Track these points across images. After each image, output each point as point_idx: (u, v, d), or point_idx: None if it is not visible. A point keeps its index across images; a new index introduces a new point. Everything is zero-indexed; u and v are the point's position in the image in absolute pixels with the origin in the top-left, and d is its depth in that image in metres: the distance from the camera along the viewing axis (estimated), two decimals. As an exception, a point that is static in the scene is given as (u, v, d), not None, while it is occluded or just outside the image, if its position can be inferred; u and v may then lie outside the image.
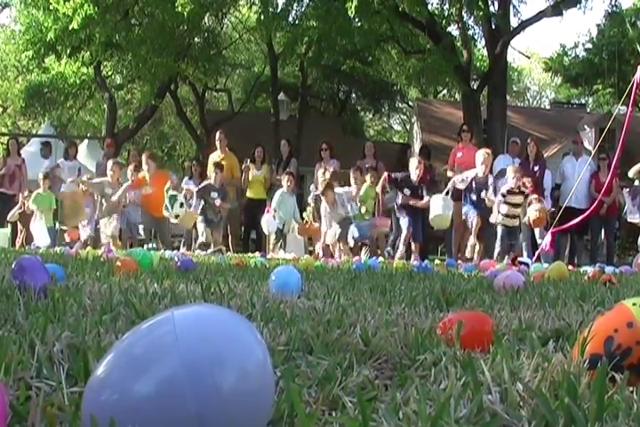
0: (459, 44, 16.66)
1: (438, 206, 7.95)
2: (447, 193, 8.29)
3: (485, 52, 19.09)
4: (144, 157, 8.93)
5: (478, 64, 21.38)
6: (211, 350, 0.47)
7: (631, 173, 8.52)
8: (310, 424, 0.50)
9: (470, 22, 16.35)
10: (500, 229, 7.79)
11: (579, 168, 8.91)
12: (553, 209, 8.44)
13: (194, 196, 9.26)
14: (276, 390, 0.59)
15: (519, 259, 6.72)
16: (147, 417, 0.45)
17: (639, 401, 0.64)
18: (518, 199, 7.75)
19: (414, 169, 8.14)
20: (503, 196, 7.69)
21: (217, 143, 9.73)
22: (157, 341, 0.48)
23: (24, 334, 0.88)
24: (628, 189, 8.59)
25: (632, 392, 0.68)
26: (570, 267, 5.03)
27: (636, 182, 8.47)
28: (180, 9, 14.13)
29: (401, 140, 29.70)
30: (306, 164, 12.34)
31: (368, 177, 8.73)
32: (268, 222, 8.89)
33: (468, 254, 7.92)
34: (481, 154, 8.03)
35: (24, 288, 1.37)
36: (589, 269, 4.42)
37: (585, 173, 8.51)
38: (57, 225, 9.47)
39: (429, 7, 15.30)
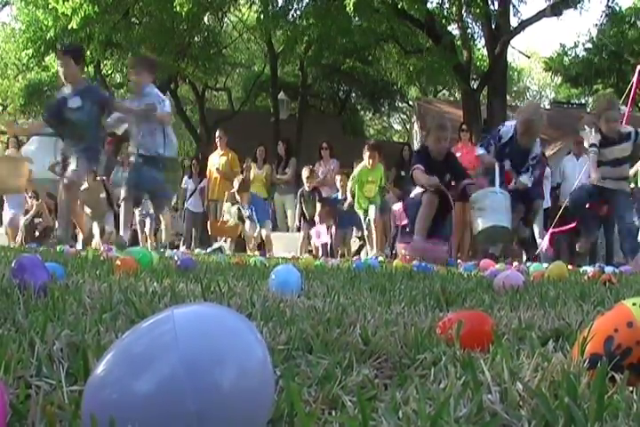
0: (458, 43, 16.67)
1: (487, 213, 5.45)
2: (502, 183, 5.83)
3: (485, 52, 19.10)
4: None
5: (478, 64, 21.39)
6: (210, 349, 0.47)
7: None
8: (310, 423, 0.50)
9: (470, 21, 16.37)
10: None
11: (579, 168, 8.92)
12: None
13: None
14: (275, 390, 0.59)
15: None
16: (146, 416, 0.45)
17: (639, 401, 0.64)
18: (623, 149, 5.66)
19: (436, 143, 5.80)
20: (596, 149, 5.58)
21: (217, 140, 9.76)
22: (157, 339, 0.48)
23: (24, 332, 0.88)
24: None
25: (632, 392, 0.68)
26: (570, 267, 5.03)
27: (632, 185, 8.46)
28: (178, 9, 14.14)
29: (401, 140, 29.71)
30: (306, 163, 12.35)
31: (366, 157, 8.23)
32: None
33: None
34: None
35: (24, 287, 1.37)
36: (589, 269, 4.42)
37: (585, 172, 8.51)
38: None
39: (429, 6, 15.30)
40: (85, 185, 8.87)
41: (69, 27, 14.66)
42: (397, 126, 34.60)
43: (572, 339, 0.98)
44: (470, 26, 16.58)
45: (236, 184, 8.80)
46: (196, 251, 7.97)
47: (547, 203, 8.99)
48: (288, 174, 9.98)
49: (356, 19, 14.34)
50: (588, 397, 0.63)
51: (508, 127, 6.12)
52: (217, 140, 9.73)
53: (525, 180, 6.16)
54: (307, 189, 9.25)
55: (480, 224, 5.57)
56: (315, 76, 22.54)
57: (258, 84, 23.02)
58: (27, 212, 10.97)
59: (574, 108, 25.28)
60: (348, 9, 12.96)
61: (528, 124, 5.86)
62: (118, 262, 2.38)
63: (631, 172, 8.49)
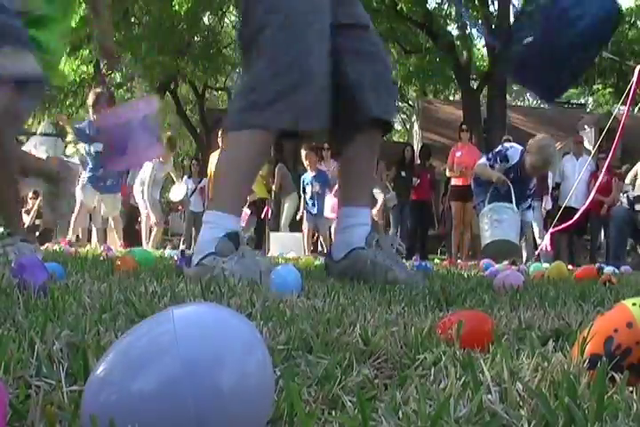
0: (458, 43, 16.68)
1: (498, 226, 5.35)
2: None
3: (485, 52, 19.10)
4: None
5: (478, 64, 21.41)
6: (210, 349, 0.47)
7: (628, 179, 8.53)
8: (310, 423, 0.50)
9: (468, 22, 16.39)
10: None
11: (579, 168, 8.92)
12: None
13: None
14: (275, 390, 0.59)
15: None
16: (146, 417, 0.45)
17: (639, 401, 0.64)
18: None
19: None
20: None
21: (219, 141, 9.75)
22: (157, 340, 0.48)
23: (23, 332, 0.88)
24: (625, 195, 8.60)
25: (632, 392, 0.68)
26: (570, 267, 5.03)
27: (630, 188, 8.47)
28: (177, 8, 14.16)
29: (401, 140, 29.72)
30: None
31: None
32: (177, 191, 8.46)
33: None
34: None
35: (23, 287, 1.37)
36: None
37: (585, 172, 8.51)
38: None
39: (428, 6, 15.31)
40: None
41: (69, 26, 14.68)
42: (397, 126, 34.63)
43: (572, 339, 0.98)
44: (470, 26, 16.58)
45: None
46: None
47: (548, 204, 8.99)
48: (273, 183, 9.99)
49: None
50: (588, 397, 0.63)
51: (515, 151, 6.00)
52: (219, 140, 9.73)
53: (530, 218, 6.20)
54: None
55: (494, 235, 5.42)
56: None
57: (258, 84, 22.95)
58: (27, 212, 10.97)
59: (574, 108, 25.30)
60: None
61: (546, 164, 5.89)
62: (118, 262, 2.38)
63: (629, 177, 8.49)
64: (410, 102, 28.13)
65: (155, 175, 8.59)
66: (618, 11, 3.05)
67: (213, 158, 9.71)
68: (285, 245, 9.03)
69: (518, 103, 31.71)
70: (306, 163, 8.97)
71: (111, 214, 7.49)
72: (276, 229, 10.67)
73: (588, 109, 26.10)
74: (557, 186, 9.48)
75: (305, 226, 9.06)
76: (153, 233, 8.75)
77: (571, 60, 2.79)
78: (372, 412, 0.58)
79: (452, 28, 16.67)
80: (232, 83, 26.14)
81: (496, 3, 15.28)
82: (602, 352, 0.75)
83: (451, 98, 26.72)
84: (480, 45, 19.32)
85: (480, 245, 8.43)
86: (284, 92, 2.11)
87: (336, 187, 8.44)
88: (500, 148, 6.18)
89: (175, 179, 9.02)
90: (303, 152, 8.75)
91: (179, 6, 14.17)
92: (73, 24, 14.53)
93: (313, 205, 9.04)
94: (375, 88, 2.37)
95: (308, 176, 9.10)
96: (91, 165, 7.17)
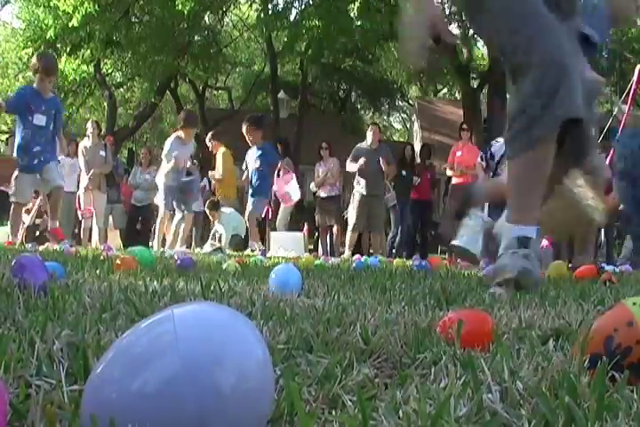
0: (458, 42, 16.68)
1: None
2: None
3: (485, 51, 19.10)
4: None
5: (478, 63, 21.40)
6: (210, 349, 0.47)
7: None
8: (310, 423, 0.50)
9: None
10: None
11: (579, 167, 8.87)
12: None
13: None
14: (275, 389, 0.59)
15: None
16: (146, 416, 0.45)
17: (639, 400, 0.64)
18: None
19: None
20: None
21: (210, 147, 9.66)
22: (157, 339, 0.48)
23: (24, 332, 0.88)
24: None
25: (632, 391, 0.68)
26: (569, 266, 5.02)
27: None
28: (180, 7, 14.14)
29: (401, 139, 29.71)
30: (306, 162, 12.32)
31: None
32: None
33: None
34: None
35: (24, 286, 1.36)
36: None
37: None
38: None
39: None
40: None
41: (70, 25, 14.66)
42: (398, 125, 34.62)
43: (573, 338, 0.98)
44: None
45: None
46: (197, 250, 7.95)
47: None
48: None
49: (357, 18, 14.35)
50: (589, 396, 0.63)
51: (500, 146, 6.03)
52: (210, 147, 9.63)
53: None
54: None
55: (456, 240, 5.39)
56: (315, 75, 22.51)
57: (258, 83, 23.01)
58: (27, 211, 10.97)
59: (574, 107, 25.20)
60: (352, 14, 12.99)
61: None
62: (118, 262, 2.38)
63: None
64: (410, 102, 28.12)
65: (174, 157, 7.53)
66: None
67: (220, 156, 9.62)
68: (286, 244, 9.02)
69: (518, 102, 31.62)
70: (249, 137, 8.21)
71: (55, 182, 6.26)
72: (276, 228, 10.65)
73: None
74: (557, 185, 9.46)
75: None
76: (172, 230, 7.66)
77: None
78: (372, 411, 0.58)
79: (453, 28, 16.69)
80: (232, 82, 26.11)
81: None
82: (602, 351, 0.75)
83: (451, 97, 26.73)
84: (480, 44, 19.35)
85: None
86: (548, 98, 2.23)
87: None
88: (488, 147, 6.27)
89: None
90: (244, 126, 8.24)
91: (182, 6, 14.17)
92: (75, 23, 14.55)
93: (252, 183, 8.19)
94: None
95: (253, 150, 8.39)
96: (22, 140, 6.05)
